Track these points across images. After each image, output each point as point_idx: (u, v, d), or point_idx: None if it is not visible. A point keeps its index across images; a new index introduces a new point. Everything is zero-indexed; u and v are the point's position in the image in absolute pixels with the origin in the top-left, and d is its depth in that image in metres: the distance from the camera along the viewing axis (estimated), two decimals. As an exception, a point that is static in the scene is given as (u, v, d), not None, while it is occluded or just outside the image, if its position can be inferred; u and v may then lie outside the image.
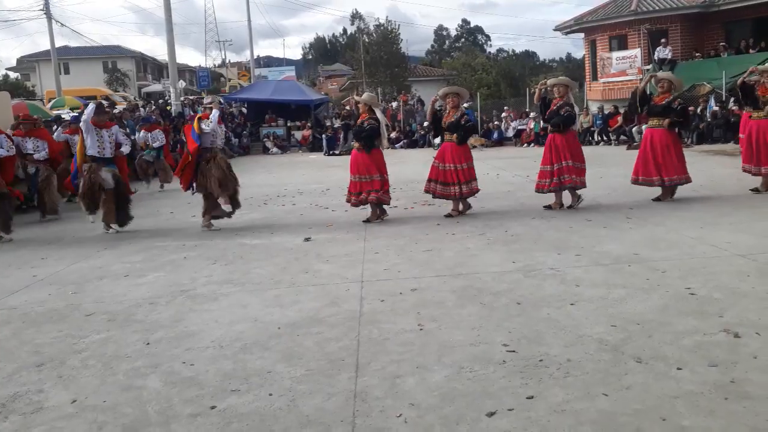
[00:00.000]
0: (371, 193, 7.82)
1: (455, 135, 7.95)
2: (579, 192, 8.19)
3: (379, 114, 8.00)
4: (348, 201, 8.12)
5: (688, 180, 8.20)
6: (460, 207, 8.16)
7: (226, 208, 8.12)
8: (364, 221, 7.94)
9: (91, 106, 8.21)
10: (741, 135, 12.42)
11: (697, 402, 2.87)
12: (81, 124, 8.13)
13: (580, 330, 3.82)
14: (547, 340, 3.68)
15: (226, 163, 8.12)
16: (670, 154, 8.06)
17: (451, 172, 7.99)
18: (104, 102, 9.90)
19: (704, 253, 5.51)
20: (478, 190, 8.13)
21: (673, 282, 4.70)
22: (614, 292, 4.53)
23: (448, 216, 8.02)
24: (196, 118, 8.20)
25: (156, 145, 13.56)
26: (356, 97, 8.75)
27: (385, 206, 8.15)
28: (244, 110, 27.09)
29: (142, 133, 13.87)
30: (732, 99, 15.34)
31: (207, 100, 10.18)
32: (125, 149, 8.56)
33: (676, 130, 8.43)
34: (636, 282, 4.74)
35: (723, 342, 3.53)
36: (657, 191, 8.32)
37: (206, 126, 7.92)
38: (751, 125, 8.62)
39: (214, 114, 8.04)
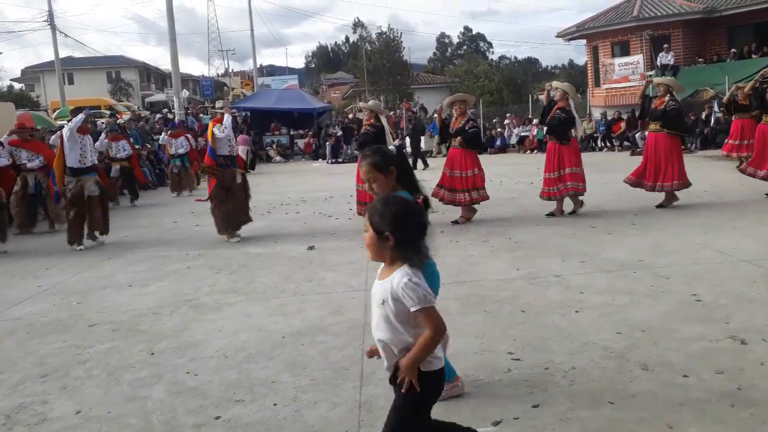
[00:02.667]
0: None
1: (459, 140, 8.01)
2: (581, 198, 8.20)
3: (383, 120, 8.04)
4: (359, 213, 8.06)
5: (686, 185, 8.18)
6: (468, 214, 8.17)
7: (233, 240, 7.84)
8: None
9: (81, 115, 7.81)
10: (730, 141, 12.51)
11: (703, 409, 2.85)
12: (66, 132, 7.73)
13: (585, 337, 3.80)
14: (552, 348, 3.67)
15: (246, 191, 7.97)
16: (671, 159, 8.05)
17: (459, 178, 8.00)
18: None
19: (709, 259, 5.49)
20: (486, 198, 8.13)
21: (679, 288, 4.68)
22: (619, 298, 4.52)
23: (455, 222, 8.02)
24: (210, 125, 7.96)
25: (181, 151, 13.74)
26: (361, 104, 8.80)
27: None
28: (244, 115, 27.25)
29: (165, 137, 14.18)
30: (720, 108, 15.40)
31: (219, 104, 9.99)
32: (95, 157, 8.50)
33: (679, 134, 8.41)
34: (641, 288, 4.73)
35: (729, 348, 3.51)
36: (659, 198, 8.30)
37: (219, 131, 7.66)
38: (764, 129, 8.60)
39: (227, 119, 7.75)
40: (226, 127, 7.69)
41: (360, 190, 7.95)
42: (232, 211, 7.78)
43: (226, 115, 7.84)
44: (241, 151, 21.32)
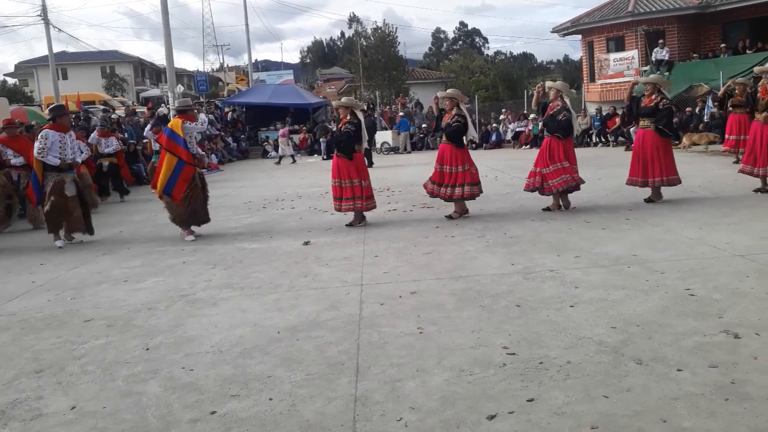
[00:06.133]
0: (354, 200, 7.81)
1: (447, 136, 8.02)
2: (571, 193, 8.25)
3: (360, 116, 7.98)
4: (337, 209, 8.02)
5: (677, 181, 8.19)
6: (460, 209, 8.16)
7: (188, 238, 7.76)
8: (347, 225, 7.93)
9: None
10: (728, 136, 12.57)
11: (697, 403, 2.87)
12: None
13: (579, 332, 3.82)
14: (547, 343, 3.68)
15: (202, 181, 7.92)
16: (659, 155, 8.05)
17: (447, 174, 8.00)
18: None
19: (703, 254, 5.51)
20: (476, 195, 8.11)
21: (673, 283, 4.70)
22: (614, 293, 4.53)
23: (449, 218, 8.02)
24: (177, 122, 7.64)
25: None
26: (334, 102, 8.71)
27: (366, 212, 8.14)
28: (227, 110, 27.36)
29: (150, 133, 14.18)
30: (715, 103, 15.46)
31: (178, 103, 8.87)
32: (83, 156, 8.40)
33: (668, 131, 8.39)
34: (635, 283, 4.74)
35: (723, 343, 3.53)
36: (649, 192, 8.32)
37: (191, 123, 7.62)
38: (755, 127, 8.63)
39: (202, 117, 7.95)
40: (204, 122, 7.96)
41: (335, 186, 7.91)
42: (195, 209, 7.79)
43: (201, 115, 8.05)
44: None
